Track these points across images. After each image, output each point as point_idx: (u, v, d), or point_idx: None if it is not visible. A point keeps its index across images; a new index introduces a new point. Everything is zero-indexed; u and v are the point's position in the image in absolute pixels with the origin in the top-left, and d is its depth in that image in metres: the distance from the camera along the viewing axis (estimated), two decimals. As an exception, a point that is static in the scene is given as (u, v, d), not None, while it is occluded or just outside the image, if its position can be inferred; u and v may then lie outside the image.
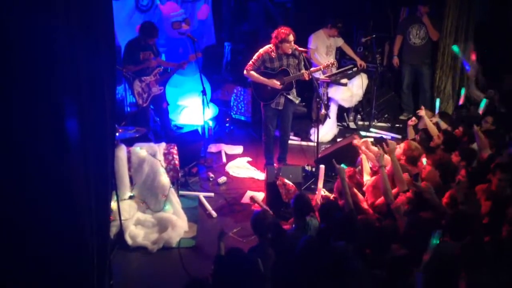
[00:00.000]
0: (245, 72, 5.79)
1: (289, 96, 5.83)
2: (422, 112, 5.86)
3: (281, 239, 3.93)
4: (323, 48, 7.04)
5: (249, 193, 5.76)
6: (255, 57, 5.74)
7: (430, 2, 7.18)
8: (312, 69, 5.81)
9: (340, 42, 7.24)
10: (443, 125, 5.78)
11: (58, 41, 2.53)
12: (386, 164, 4.53)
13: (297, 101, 5.98)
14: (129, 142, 5.17)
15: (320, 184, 5.03)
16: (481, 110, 6.09)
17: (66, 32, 2.57)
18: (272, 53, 5.67)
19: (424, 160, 4.91)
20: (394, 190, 4.45)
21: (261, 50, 5.72)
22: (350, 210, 4.18)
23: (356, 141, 5.31)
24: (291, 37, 5.53)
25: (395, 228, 3.96)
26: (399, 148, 5.04)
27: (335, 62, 6.11)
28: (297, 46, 5.61)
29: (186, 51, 7.34)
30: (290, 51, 5.60)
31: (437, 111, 6.44)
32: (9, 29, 2.35)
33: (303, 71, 5.71)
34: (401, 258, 3.45)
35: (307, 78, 5.67)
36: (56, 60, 2.53)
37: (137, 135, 5.33)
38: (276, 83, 5.66)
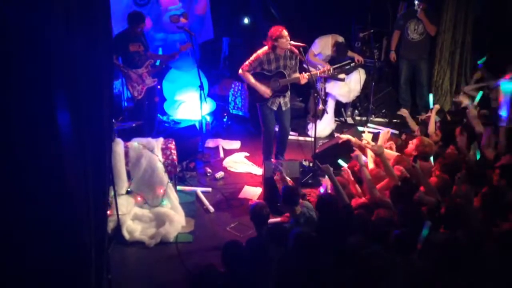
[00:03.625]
0: (240, 71, 5.69)
1: (285, 99, 5.82)
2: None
3: (278, 232, 3.95)
4: (325, 56, 7.00)
5: (247, 188, 5.76)
6: (252, 58, 5.65)
7: (428, -3, 7.17)
8: (308, 73, 5.67)
9: None
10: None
11: (56, 37, 2.52)
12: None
13: (288, 106, 5.90)
14: (126, 136, 5.16)
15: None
16: (476, 103, 6.11)
17: (63, 27, 2.57)
18: (270, 54, 5.58)
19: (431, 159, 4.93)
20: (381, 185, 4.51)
21: (259, 52, 5.63)
22: (346, 205, 4.17)
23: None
24: (285, 32, 5.47)
25: (391, 218, 3.96)
26: (411, 144, 5.06)
27: (331, 69, 6.09)
28: (292, 42, 5.52)
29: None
30: (289, 46, 5.52)
31: (431, 106, 6.44)
32: (7, 24, 2.34)
33: (298, 74, 5.68)
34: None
35: (302, 83, 5.66)
36: (53, 55, 2.52)
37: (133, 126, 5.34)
38: (266, 91, 5.61)
